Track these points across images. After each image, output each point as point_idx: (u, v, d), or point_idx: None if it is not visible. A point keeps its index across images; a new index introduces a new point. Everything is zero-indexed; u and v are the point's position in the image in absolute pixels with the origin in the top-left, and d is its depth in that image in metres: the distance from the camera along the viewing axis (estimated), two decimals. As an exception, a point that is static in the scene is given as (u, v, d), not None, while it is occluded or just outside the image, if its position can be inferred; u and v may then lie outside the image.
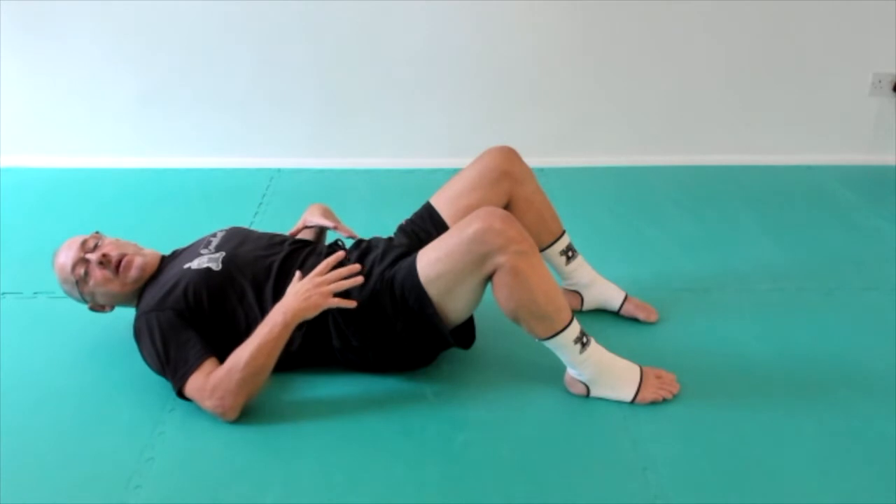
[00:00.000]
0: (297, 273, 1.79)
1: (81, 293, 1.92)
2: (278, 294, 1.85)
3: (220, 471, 1.65)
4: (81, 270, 1.88)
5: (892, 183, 3.09)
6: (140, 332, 1.83)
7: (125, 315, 2.03)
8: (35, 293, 2.29)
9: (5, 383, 1.91)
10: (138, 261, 1.91)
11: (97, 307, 1.97)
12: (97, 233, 1.97)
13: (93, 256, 1.88)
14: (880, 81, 3.17)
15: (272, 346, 1.72)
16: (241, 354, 1.72)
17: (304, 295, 1.72)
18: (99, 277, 1.89)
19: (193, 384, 1.74)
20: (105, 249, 1.90)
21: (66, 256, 1.90)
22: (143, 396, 1.86)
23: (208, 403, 1.73)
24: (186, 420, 1.78)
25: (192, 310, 1.82)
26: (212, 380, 1.72)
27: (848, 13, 3.05)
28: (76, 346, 2.06)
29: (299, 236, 2.10)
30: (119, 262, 1.89)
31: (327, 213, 2.17)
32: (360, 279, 1.73)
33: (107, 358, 2.01)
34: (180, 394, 1.77)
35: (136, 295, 1.94)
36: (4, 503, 1.57)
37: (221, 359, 1.77)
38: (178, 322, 1.80)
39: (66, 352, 2.04)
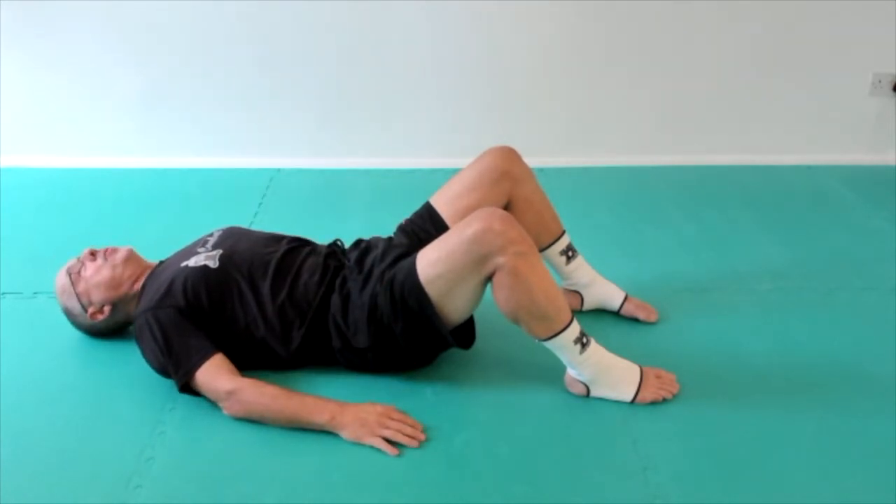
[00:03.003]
0: (375, 404, 1.76)
1: (79, 296, 1.95)
2: (276, 291, 1.86)
3: (220, 471, 1.65)
4: (77, 268, 1.96)
5: (892, 183, 3.09)
6: (140, 329, 1.84)
7: (125, 315, 2.05)
8: (35, 293, 2.29)
9: (5, 383, 1.91)
10: (126, 247, 1.99)
11: (96, 312, 1.97)
12: (91, 249, 2.03)
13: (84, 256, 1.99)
14: (880, 81, 3.17)
15: (298, 419, 1.74)
16: (279, 398, 1.75)
17: (362, 419, 1.72)
18: (90, 268, 1.95)
19: (205, 377, 1.76)
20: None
21: (62, 270, 1.99)
22: (143, 396, 1.86)
23: (221, 403, 1.77)
24: (186, 420, 1.79)
25: (191, 307, 1.83)
26: (239, 391, 1.74)
27: (848, 13, 3.04)
28: (76, 345, 2.06)
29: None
30: (106, 250, 1.98)
31: None
32: (416, 442, 1.70)
33: (107, 358, 2.01)
34: (185, 387, 1.78)
35: (135, 298, 1.95)
36: (4, 503, 1.57)
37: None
38: (178, 318, 1.81)
39: (67, 351, 2.04)
